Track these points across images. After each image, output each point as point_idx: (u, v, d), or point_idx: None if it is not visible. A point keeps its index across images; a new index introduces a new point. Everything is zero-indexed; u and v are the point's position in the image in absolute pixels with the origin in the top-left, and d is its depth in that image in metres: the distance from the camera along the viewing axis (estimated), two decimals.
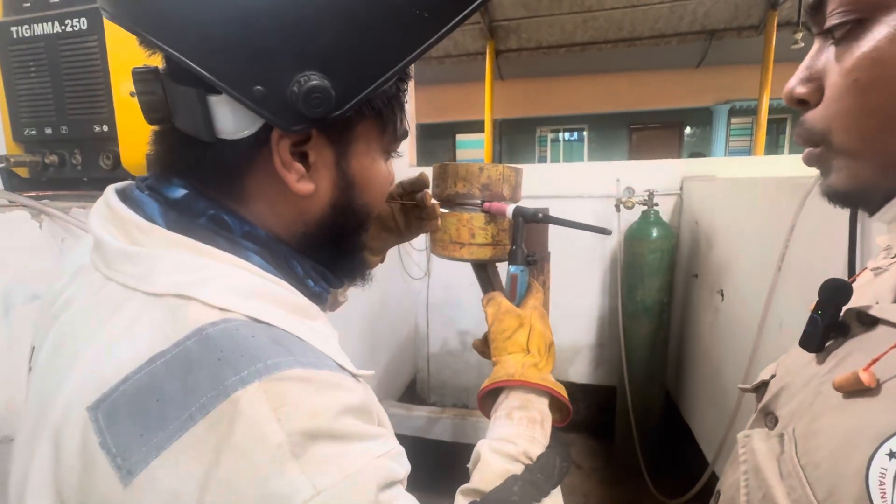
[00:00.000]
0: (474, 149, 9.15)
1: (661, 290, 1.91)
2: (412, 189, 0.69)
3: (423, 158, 2.61)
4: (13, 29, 0.83)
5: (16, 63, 0.84)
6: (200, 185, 0.40)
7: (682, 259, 2.05)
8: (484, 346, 0.67)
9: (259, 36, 0.34)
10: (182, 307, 0.33)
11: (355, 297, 0.79)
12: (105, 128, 0.80)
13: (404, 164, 2.21)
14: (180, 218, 0.38)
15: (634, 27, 4.99)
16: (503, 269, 0.74)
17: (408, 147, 2.25)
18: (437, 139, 9.28)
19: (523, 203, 0.76)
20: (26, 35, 0.82)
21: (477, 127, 7.39)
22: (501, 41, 5.21)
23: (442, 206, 0.70)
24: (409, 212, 0.70)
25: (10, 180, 0.87)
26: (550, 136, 9.29)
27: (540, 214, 0.65)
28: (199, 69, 0.34)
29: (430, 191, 0.70)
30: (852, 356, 0.33)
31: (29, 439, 0.36)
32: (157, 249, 0.36)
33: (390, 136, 0.45)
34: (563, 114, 8.54)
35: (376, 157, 0.45)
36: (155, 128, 0.42)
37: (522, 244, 0.66)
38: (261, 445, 0.29)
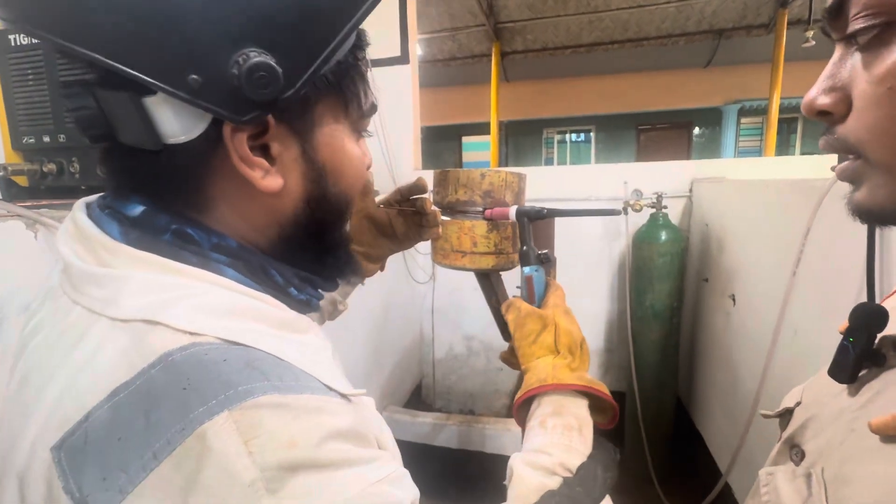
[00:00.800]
0: (480, 151, 9.14)
1: (671, 295, 1.87)
2: (410, 194, 0.67)
3: (428, 161, 2.59)
4: (11, 37, 0.82)
5: (14, 71, 0.83)
6: (158, 199, 0.36)
7: (693, 263, 2.01)
8: (511, 357, 0.64)
9: (182, 16, 0.30)
10: (148, 332, 0.31)
11: (358, 301, 0.77)
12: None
13: (408, 168, 2.19)
14: (143, 236, 0.35)
15: (641, 27, 4.96)
16: (506, 277, 0.72)
17: (413, 151, 2.23)
18: (442, 142, 9.28)
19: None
20: (24, 43, 0.81)
21: (483, 129, 7.38)
22: (507, 43, 5.20)
23: (443, 214, 0.68)
24: (409, 218, 0.68)
25: (8, 189, 0.86)
26: (557, 137, 9.26)
27: (545, 210, 0.63)
28: (121, 66, 0.30)
29: (430, 197, 0.68)
30: (889, 390, 0.31)
31: (2, 474, 0.34)
32: (125, 270, 0.33)
33: (356, 113, 0.41)
34: (569, 115, 8.51)
35: (345, 138, 0.41)
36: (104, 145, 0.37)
37: (531, 243, 0.63)
38: (231, 484, 0.26)
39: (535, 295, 0.62)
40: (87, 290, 0.34)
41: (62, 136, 0.82)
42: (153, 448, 0.27)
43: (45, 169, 0.84)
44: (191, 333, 0.31)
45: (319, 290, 0.45)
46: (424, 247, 0.72)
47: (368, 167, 0.47)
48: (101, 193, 0.40)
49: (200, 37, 0.30)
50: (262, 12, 0.31)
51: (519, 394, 0.55)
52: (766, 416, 0.46)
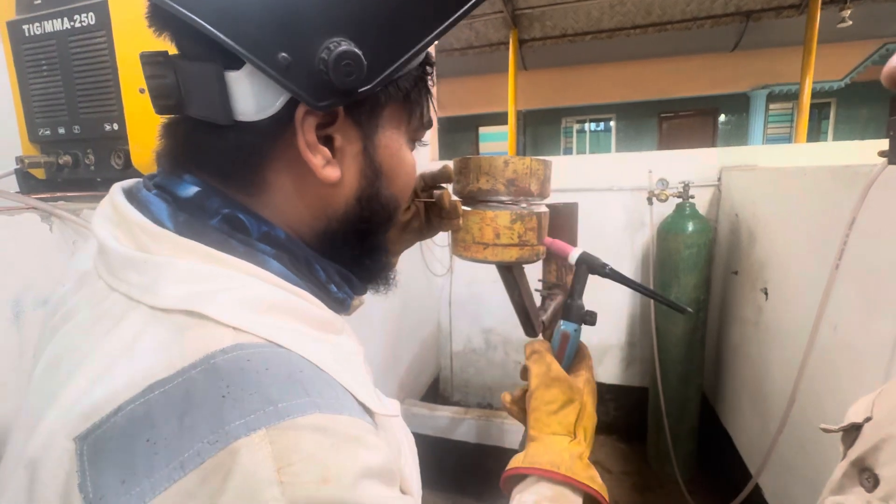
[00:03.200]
0: (498, 141, 9.03)
1: (698, 288, 1.80)
2: (434, 183, 0.63)
3: (445, 152, 2.55)
4: (25, 27, 0.81)
5: (29, 62, 0.82)
6: (215, 179, 0.36)
7: (721, 254, 1.93)
8: (517, 408, 0.61)
9: None
10: (191, 327, 0.30)
11: (376, 295, 0.75)
12: (115, 126, 0.78)
13: (425, 159, 2.16)
14: (191, 220, 0.34)
15: (665, 11, 4.80)
16: (529, 269, 0.68)
17: (429, 140, 2.20)
18: (459, 132, 9.21)
19: (552, 198, 0.70)
20: (37, 33, 0.80)
21: (500, 119, 7.27)
22: (525, 30, 5.10)
23: (463, 204, 0.65)
24: (429, 209, 0.64)
25: (26, 182, 0.86)
26: (576, 126, 9.08)
27: (608, 268, 0.59)
28: (220, 34, 0.31)
29: (450, 187, 0.64)
30: None
31: (11, 465, 0.32)
32: (166, 257, 0.32)
33: (417, 123, 0.42)
34: (589, 103, 8.33)
35: (402, 144, 0.42)
36: (164, 120, 0.39)
37: (581, 299, 0.59)
38: None
39: (565, 356, 0.59)
40: (126, 275, 0.33)
41: (77, 127, 0.81)
42: (181, 457, 0.25)
43: (60, 161, 0.83)
44: (234, 329, 0.30)
45: (360, 291, 0.46)
46: (442, 239, 0.70)
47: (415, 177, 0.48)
48: (138, 178, 0.40)
49: (298, 18, 0.32)
50: (360, 5, 0.33)
51: (522, 462, 0.53)
52: (827, 431, 0.41)
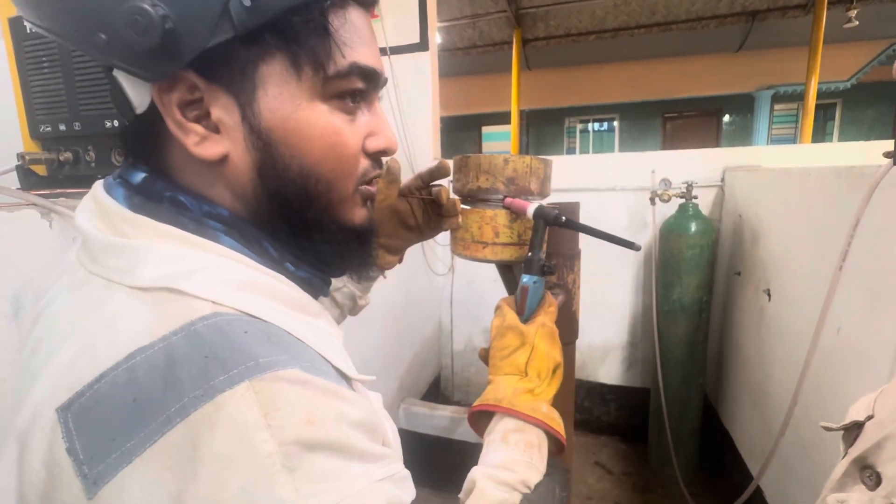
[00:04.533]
0: (501, 141, 9.03)
1: (700, 288, 1.79)
2: (431, 179, 0.63)
3: (447, 151, 2.55)
4: (27, 24, 0.81)
5: (30, 59, 0.82)
6: (153, 166, 0.37)
7: (724, 255, 1.92)
8: (487, 359, 0.63)
9: None
10: (169, 300, 0.30)
11: (377, 293, 0.74)
12: (115, 123, 0.78)
13: (427, 158, 2.15)
14: (145, 202, 0.35)
15: (669, 11, 4.79)
16: None
17: (431, 140, 2.19)
18: (462, 131, 9.21)
19: (553, 198, 0.69)
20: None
21: (503, 118, 7.27)
22: (528, 30, 5.09)
23: (463, 203, 0.64)
24: (428, 207, 0.64)
25: (27, 178, 0.86)
26: (579, 126, 9.07)
27: (563, 218, 0.58)
28: (50, 31, 0.32)
29: (448, 185, 0.64)
30: None
31: (3, 437, 0.33)
32: (144, 241, 0.33)
33: (317, 75, 0.35)
34: (592, 103, 8.31)
35: (301, 104, 0.35)
36: None
37: (541, 251, 0.59)
38: (247, 455, 0.25)
39: (525, 307, 0.60)
40: (106, 260, 0.34)
41: (77, 124, 0.81)
42: (168, 411, 0.26)
43: (61, 158, 0.84)
44: (213, 302, 0.31)
45: (322, 272, 0.43)
46: (443, 238, 0.69)
47: (360, 136, 0.39)
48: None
49: None
50: None
51: (476, 402, 0.56)
52: (828, 430, 0.41)
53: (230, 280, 0.33)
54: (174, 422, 0.26)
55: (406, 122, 2.01)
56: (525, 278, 0.59)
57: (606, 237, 0.60)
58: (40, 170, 0.87)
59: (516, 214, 0.61)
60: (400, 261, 0.69)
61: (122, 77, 0.34)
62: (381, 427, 0.35)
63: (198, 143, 0.34)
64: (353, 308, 0.69)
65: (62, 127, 0.82)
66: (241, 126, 0.35)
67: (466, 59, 6.63)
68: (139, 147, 0.37)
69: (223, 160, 0.35)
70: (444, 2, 4.81)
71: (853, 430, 0.36)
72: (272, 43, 0.33)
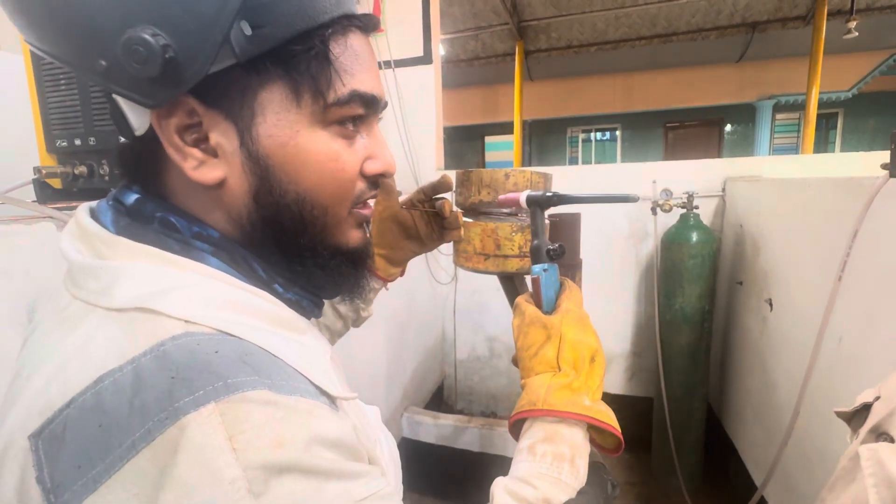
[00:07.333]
0: (503, 150, 9.08)
1: (703, 298, 1.80)
2: (433, 193, 0.65)
3: (451, 162, 2.58)
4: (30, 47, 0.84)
5: (47, 77, 0.85)
6: (146, 188, 0.37)
7: (725, 265, 1.93)
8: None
9: (81, 1, 0.30)
10: (141, 320, 0.30)
11: (380, 302, 0.75)
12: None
13: (431, 168, 2.18)
14: (132, 224, 0.35)
15: (670, 22, 4.84)
16: None
17: (435, 151, 2.22)
18: (465, 141, 9.27)
19: (557, 208, 0.71)
20: None
21: (506, 129, 7.33)
22: (531, 41, 5.15)
23: (465, 215, 0.66)
24: (431, 220, 0.66)
25: (42, 191, 0.89)
26: (582, 136, 9.11)
27: (554, 197, 0.55)
28: (51, 56, 0.32)
29: (451, 198, 0.66)
30: None
31: None
32: (121, 262, 0.33)
33: (317, 102, 0.35)
34: (594, 113, 8.36)
35: (300, 130, 0.35)
36: None
37: (544, 237, 0.55)
38: (210, 482, 0.25)
39: (542, 298, 0.54)
40: (85, 283, 0.34)
41: (92, 139, 0.84)
42: (133, 437, 0.26)
43: (76, 171, 0.86)
44: (185, 321, 0.30)
45: (313, 294, 0.43)
46: (446, 247, 0.71)
47: (357, 163, 0.40)
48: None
49: (93, 17, 0.30)
50: None
51: (514, 412, 0.50)
52: (839, 414, 0.42)
53: (209, 298, 0.33)
54: (138, 447, 0.25)
55: (410, 132, 2.04)
56: (535, 269, 0.55)
57: (601, 199, 0.56)
58: (56, 183, 0.90)
59: (521, 226, 0.63)
60: (402, 273, 0.70)
61: (121, 100, 0.34)
62: (365, 444, 0.35)
63: (195, 167, 0.35)
64: (357, 319, 0.69)
65: (77, 142, 0.85)
66: (239, 151, 0.35)
67: (469, 71, 6.70)
68: (136, 168, 0.37)
69: (220, 184, 0.36)
70: (447, 15, 4.88)
71: (862, 413, 0.38)
72: (273, 70, 0.33)
